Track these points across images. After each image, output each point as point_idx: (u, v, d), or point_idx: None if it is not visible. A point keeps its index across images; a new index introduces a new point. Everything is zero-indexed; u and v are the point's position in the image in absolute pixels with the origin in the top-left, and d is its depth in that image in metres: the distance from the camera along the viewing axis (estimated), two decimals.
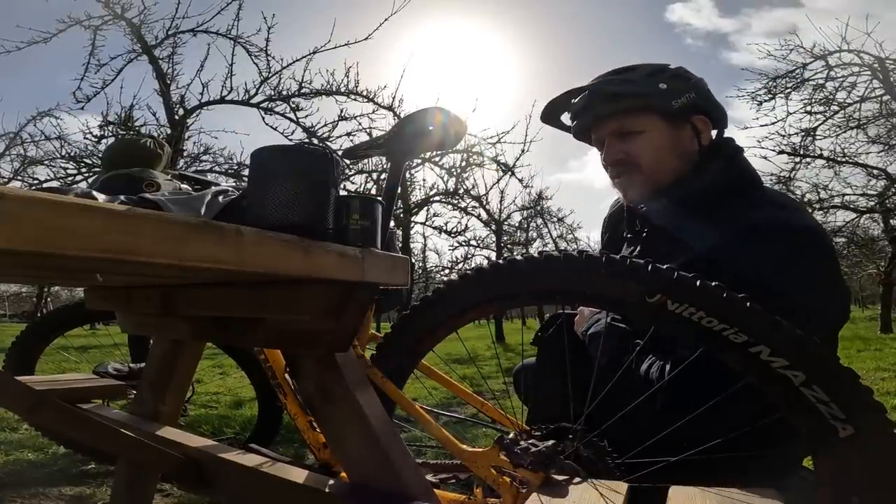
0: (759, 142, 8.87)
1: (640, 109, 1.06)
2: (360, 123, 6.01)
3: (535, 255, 0.80)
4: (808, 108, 8.55)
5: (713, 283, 0.68)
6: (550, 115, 1.19)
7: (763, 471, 0.87)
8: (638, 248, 1.10)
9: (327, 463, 1.06)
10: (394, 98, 6.02)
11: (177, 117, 5.89)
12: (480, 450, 0.80)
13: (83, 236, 0.43)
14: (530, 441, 0.77)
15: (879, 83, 8.07)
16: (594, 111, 1.09)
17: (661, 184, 1.06)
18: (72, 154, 6.33)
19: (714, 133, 1.10)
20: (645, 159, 1.07)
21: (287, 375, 1.16)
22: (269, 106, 5.91)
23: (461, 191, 8.67)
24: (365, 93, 5.97)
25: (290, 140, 5.78)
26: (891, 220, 10.52)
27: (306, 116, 5.95)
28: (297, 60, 5.73)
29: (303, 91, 5.85)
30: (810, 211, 12.64)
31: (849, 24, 7.77)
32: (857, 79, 8.26)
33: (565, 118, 1.18)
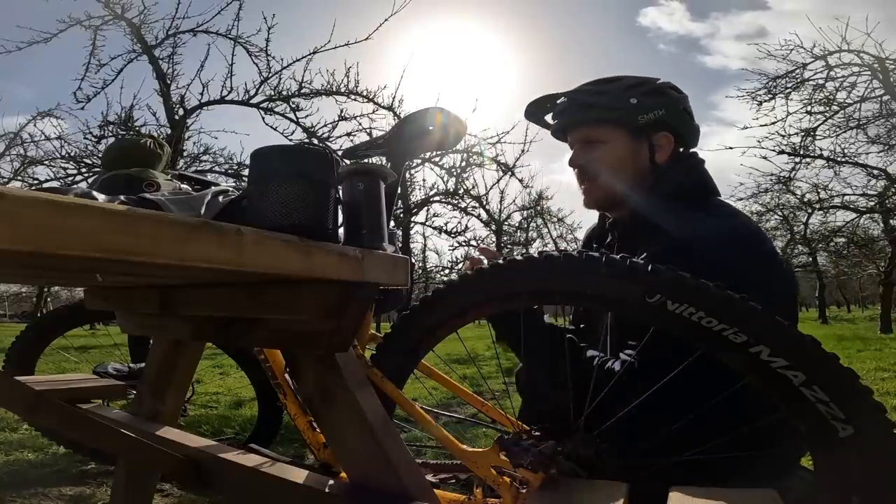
0: (759, 142, 8.88)
1: (607, 121, 1.11)
2: (360, 123, 6.00)
3: (535, 255, 0.80)
4: (808, 109, 8.56)
5: (713, 284, 0.68)
6: (533, 114, 1.25)
7: (763, 471, 0.87)
8: None
9: (327, 463, 1.06)
10: (394, 98, 6.02)
11: (177, 117, 5.88)
12: (480, 450, 0.80)
13: (83, 236, 0.43)
14: (530, 441, 0.77)
15: (879, 83, 8.07)
16: (567, 117, 1.16)
17: (615, 195, 1.12)
18: (72, 154, 6.33)
19: (681, 150, 1.14)
20: (602, 171, 1.13)
21: (287, 375, 1.16)
22: (269, 106, 5.90)
23: (461, 191, 8.66)
24: (365, 93, 5.96)
25: (290, 140, 5.78)
26: (891, 220, 10.52)
27: (306, 116, 5.94)
28: (297, 60, 5.72)
29: (303, 91, 5.84)
30: (810, 211, 12.65)
31: (849, 23, 7.77)
32: (857, 79, 8.26)
33: (548, 117, 1.24)
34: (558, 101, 1.19)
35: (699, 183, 1.09)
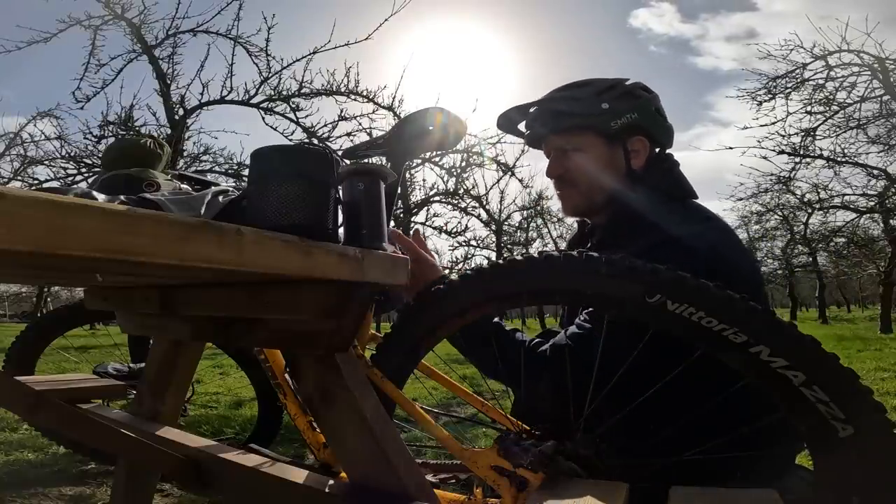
0: (759, 142, 8.90)
1: (581, 128, 1.11)
2: (360, 123, 6.00)
3: (535, 255, 0.80)
4: (808, 109, 8.56)
5: (713, 284, 0.68)
6: (505, 125, 1.24)
7: (763, 471, 0.87)
8: None
9: (327, 463, 1.06)
10: (394, 98, 6.02)
11: (177, 117, 5.89)
12: (480, 450, 0.80)
13: (83, 236, 0.43)
14: (530, 441, 0.77)
15: (879, 83, 8.07)
16: (541, 127, 1.16)
17: (595, 201, 1.13)
18: (72, 154, 6.33)
19: (657, 151, 1.14)
20: (581, 178, 1.13)
21: (287, 375, 1.16)
22: (269, 106, 5.90)
23: (461, 191, 8.67)
24: (365, 93, 5.96)
25: (290, 140, 5.78)
26: (891, 220, 10.53)
27: (306, 116, 5.95)
28: (297, 60, 5.72)
29: (303, 91, 5.84)
30: (810, 211, 12.65)
31: (848, 23, 7.77)
32: (857, 79, 8.27)
33: (522, 125, 1.23)
34: (531, 110, 1.18)
35: (675, 187, 1.10)
